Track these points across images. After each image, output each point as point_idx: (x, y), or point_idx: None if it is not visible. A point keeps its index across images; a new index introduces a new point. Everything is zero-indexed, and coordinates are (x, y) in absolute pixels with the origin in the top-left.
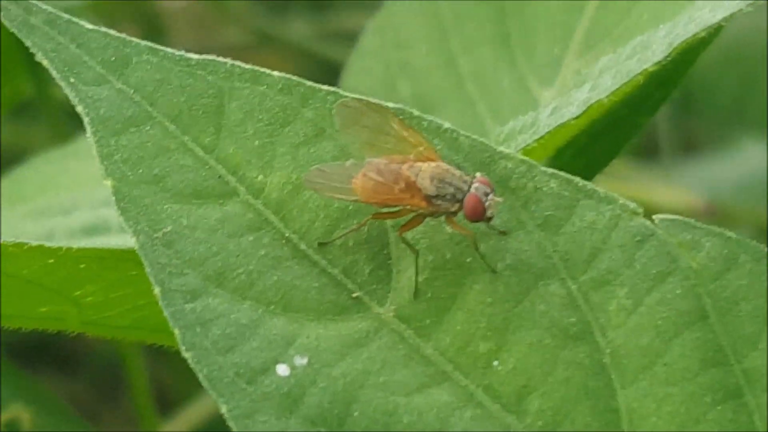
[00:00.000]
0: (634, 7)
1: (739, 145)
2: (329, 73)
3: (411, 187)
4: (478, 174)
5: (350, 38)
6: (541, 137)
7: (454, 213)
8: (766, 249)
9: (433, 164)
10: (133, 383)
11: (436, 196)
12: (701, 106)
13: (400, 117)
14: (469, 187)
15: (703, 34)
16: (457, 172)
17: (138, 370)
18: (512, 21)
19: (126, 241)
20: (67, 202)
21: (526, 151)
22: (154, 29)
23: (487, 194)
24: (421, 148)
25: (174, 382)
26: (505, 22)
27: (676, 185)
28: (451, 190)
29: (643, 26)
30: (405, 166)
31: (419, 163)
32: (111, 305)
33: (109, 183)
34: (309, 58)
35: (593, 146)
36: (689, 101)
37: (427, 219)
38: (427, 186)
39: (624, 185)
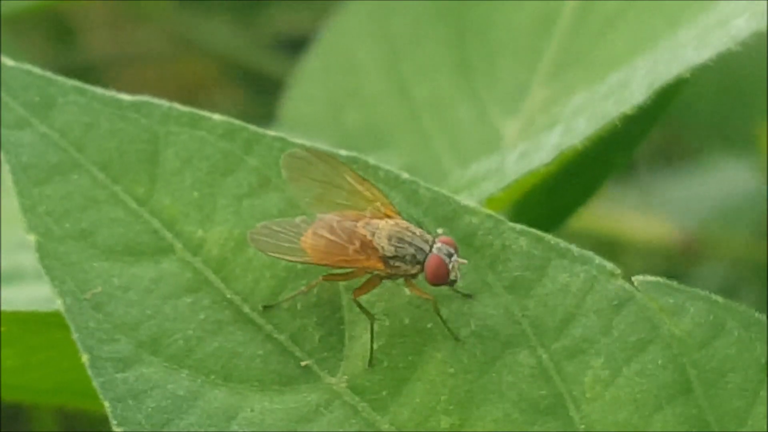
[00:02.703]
0: (608, 32)
1: (719, 161)
2: (263, 84)
3: (367, 246)
4: (439, 230)
5: (287, 44)
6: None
7: (414, 275)
8: (755, 314)
9: (391, 222)
10: None
11: (395, 257)
12: (679, 118)
13: (354, 167)
14: (431, 247)
15: (687, 75)
16: (418, 231)
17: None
18: (472, 45)
19: (46, 291)
20: None
21: (490, 200)
22: (62, 32)
23: (450, 255)
24: (377, 203)
25: None
26: (464, 45)
27: (651, 212)
28: (412, 250)
29: (618, 54)
30: (360, 224)
31: (376, 221)
32: (31, 369)
33: (32, 238)
34: (238, 65)
35: (564, 188)
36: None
37: (384, 281)
38: (384, 246)
39: (594, 215)
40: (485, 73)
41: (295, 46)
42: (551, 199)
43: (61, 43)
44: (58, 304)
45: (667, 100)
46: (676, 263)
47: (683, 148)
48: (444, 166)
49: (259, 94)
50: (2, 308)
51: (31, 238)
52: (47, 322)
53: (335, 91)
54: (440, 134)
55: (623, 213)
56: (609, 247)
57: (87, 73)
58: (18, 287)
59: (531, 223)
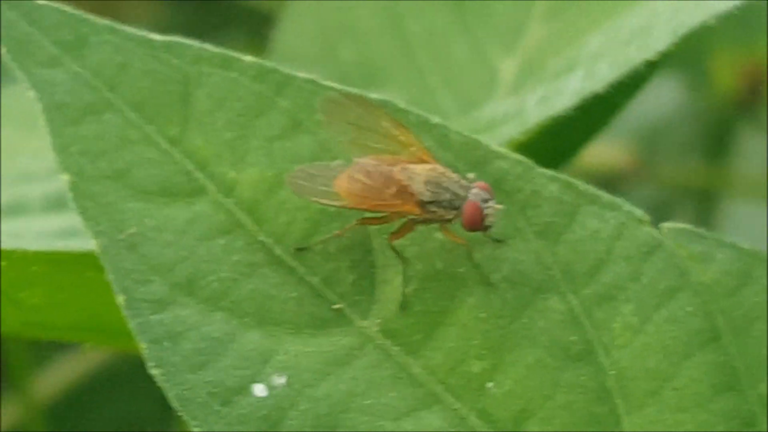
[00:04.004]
0: None
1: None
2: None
3: (403, 191)
4: (470, 175)
5: None
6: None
7: (450, 220)
8: None
9: (428, 167)
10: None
11: (432, 202)
12: None
13: (385, 111)
14: (467, 192)
15: (712, 21)
16: (454, 176)
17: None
18: None
19: (54, 225)
20: None
21: (509, 143)
22: None
23: (486, 201)
24: (413, 148)
25: None
26: None
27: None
28: (448, 196)
29: None
30: (396, 169)
31: (412, 165)
32: (55, 307)
33: (65, 178)
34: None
35: (570, 128)
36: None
37: (418, 226)
38: (421, 191)
39: None
40: (481, 10)
41: None
42: (557, 138)
43: None
44: (91, 244)
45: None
46: (616, 185)
47: None
48: (440, 104)
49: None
50: (33, 248)
51: (65, 177)
52: (82, 262)
53: (328, 26)
54: (435, 71)
55: None
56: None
57: None
58: (24, 220)
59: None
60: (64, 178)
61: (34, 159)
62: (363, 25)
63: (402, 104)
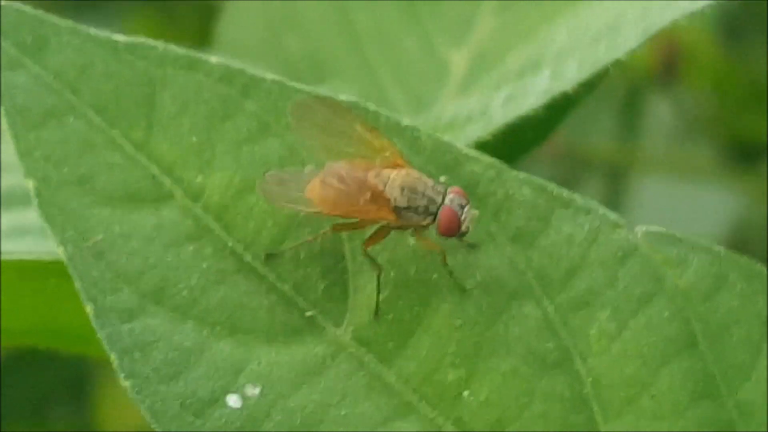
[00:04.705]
0: None
1: None
2: None
3: (378, 197)
4: (442, 178)
5: None
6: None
7: (426, 227)
8: (756, 266)
9: (402, 172)
10: None
11: (407, 208)
12: None
13: (356, 113)
14: (443, 198)
15: (683, 21)
16: (430, 182)
17: None
18: None
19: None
20: None
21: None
22: None
23: (462, 206)
24: (387, 153)
25: None
26: None
27: None
28: (424, 201)
29: None
30: (371, 174)
31: (387, 171)
32: (17, 312)
33: (30, 184)
34: None
35: (532, 125)
36: None
37: (392, 231)
38: (397, 197)
39: None
40: (430, 1)
41: None
42: (515, 138)
43: None
44: (44, 244)
45: None
46: (526, 161)
47: None
48: (389, 97)
49: None
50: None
51: (30, 184)
52: (48, 270)
53: (274, 17)
54: (384, 64)
55: None
56: None
57: None
58: None
59: None
60: (29, 185)
61: None
62: (309, 17)
63: (372, 106)
